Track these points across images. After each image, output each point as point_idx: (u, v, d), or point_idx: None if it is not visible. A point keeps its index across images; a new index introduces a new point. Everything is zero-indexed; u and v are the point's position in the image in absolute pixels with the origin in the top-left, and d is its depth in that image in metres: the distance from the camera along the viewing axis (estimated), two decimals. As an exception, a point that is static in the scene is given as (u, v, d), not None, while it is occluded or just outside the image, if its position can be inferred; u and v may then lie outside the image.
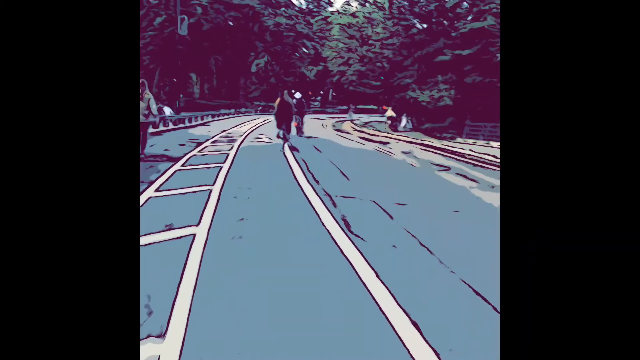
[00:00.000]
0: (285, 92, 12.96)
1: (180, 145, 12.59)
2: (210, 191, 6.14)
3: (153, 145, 12.30)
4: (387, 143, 16.45)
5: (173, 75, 41.54)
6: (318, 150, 12.63)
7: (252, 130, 19.86)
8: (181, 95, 52.11)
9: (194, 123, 24.73)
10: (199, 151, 11.12)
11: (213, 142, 13.90)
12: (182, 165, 8.72)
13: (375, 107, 56.79)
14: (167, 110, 25.30)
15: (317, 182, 7.19)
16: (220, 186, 6.53)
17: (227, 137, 16.13)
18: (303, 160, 9.81)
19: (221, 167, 8.38)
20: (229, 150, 11.44)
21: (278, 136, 13.27)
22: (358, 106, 59.32)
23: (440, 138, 20.47)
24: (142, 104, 9.28)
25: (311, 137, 17.39)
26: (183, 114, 26.01)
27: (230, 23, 49.79)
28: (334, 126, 28.31)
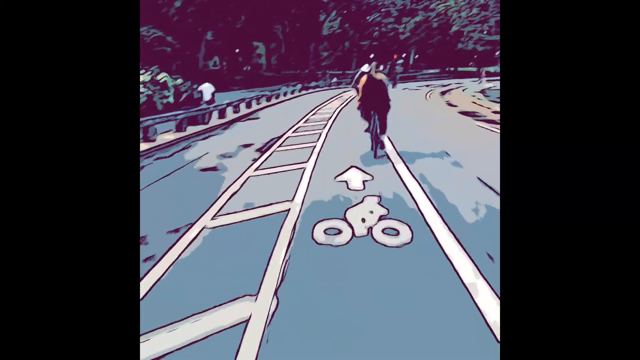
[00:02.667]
0: (374, 64, 7.52)
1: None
2: None
3: None
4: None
5: (230, 44, 33.09)
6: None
7: (325, 143, 10.26)
8: (248, 68, 44.31)
9: (227, 118, 15.93)
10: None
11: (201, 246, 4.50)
12: None
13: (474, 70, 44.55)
14: (208, 91, 16.48)
15: None
16: None
17: (259, 191, 6.98)
18: None
19: None
20: None
21: (372, 149, 7.62)
22: (458, 69, 47.66)
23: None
24: None
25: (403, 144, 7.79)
26: (231, 94, 17.49)
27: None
28: (448, 103, 18.03)
